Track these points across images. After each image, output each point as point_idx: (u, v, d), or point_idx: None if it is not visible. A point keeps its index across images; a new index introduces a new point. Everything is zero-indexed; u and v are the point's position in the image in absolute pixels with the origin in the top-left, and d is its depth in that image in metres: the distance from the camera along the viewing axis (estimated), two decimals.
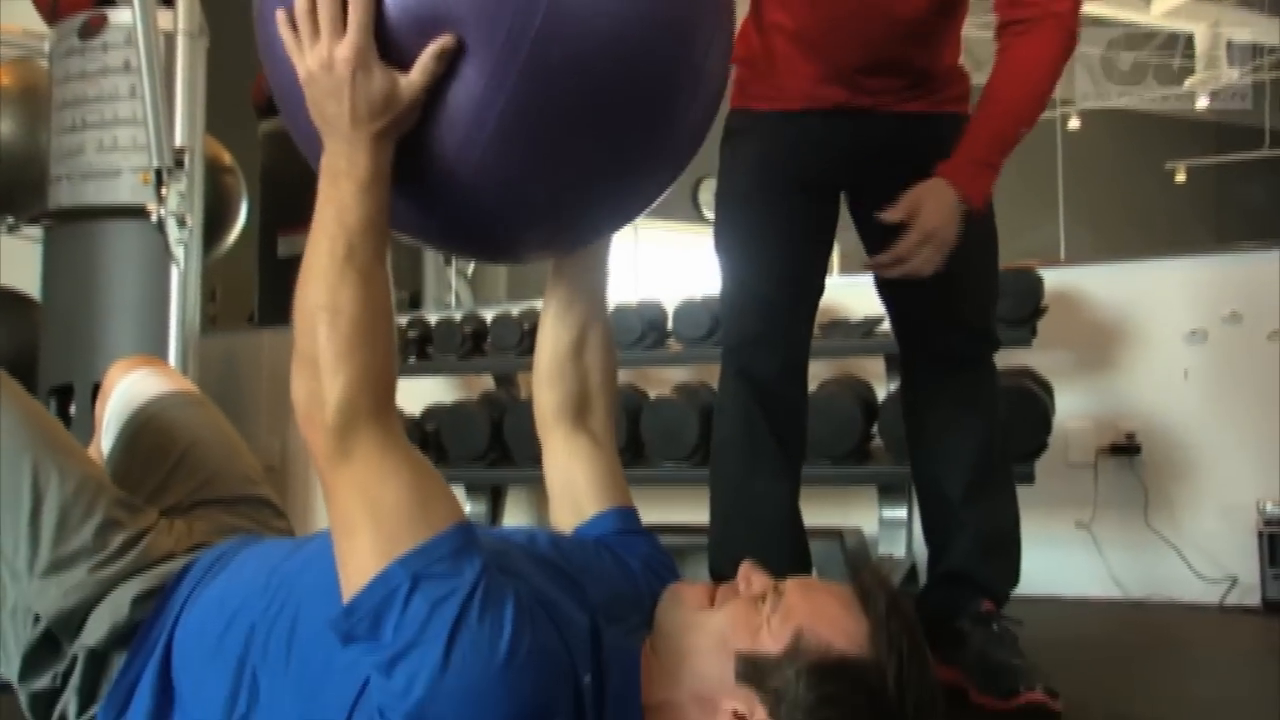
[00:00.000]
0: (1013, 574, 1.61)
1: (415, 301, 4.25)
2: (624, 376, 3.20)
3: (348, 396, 0.89)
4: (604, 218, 1.08)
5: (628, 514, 1.22)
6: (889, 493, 2.72)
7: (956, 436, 1.60)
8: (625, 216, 1.09)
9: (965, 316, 1.59)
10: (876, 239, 1.63)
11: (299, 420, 0.92)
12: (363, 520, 0.88)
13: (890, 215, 1.45)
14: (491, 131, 0.91)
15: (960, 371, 1.62)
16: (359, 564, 0.87)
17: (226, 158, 3.62)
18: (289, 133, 1.04)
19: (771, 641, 0.91)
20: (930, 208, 1.44)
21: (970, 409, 1.61)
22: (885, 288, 1.67)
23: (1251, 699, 1.62)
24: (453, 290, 4.32)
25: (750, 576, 0.99)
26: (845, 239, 1.78)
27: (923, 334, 1.63)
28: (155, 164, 2.60)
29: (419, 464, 0.92)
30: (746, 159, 1.64)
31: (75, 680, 1.09)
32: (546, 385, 1.25)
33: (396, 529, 0.87)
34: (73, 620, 1.09)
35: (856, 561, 1.00)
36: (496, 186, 0.96)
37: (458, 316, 3.43)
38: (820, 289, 1.66)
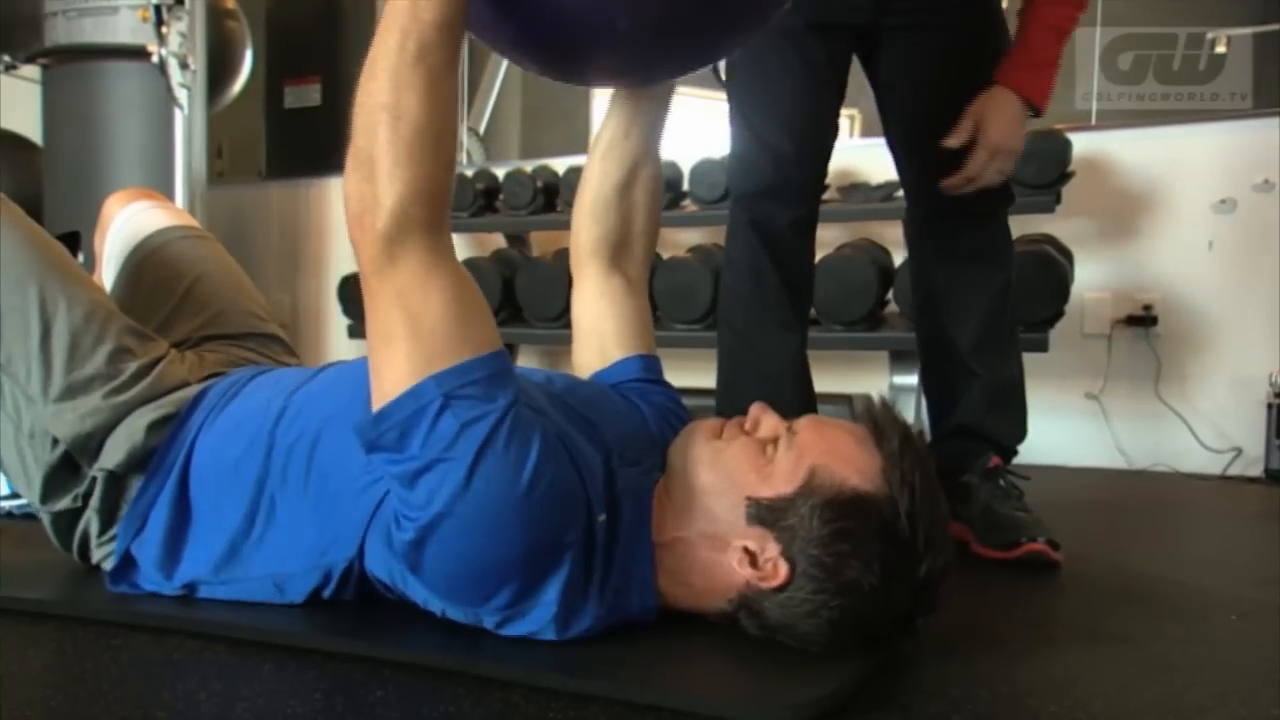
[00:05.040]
0: (1020, 429, 1.60)
1: None
2: None
3: (403, 204, 0.86)
4: (681, 57, 1.04)
5: (651, 362, 1.22)
6: (901, 359, 2.71)
7: (969, 289, 1.57)
8: (701, 59, 1.05)
9: None
10: (892, 93, 1.59)
11: (348, 220, 0.88)
12: (402, 331, 0.86)
13: (954, 140, 1.45)
14: None
15: (974, 225, 1.58)
16: (394, 374, 0.86)
17: (230, 0, 3.48)
18: None
19: (783, 482, 0.92)
20: (994, 121, 1.44)
21: (984, 262, 1.58)
22: (898, 140, 1.62)
23: (1248, 556, 1.65)
24: (464, 148, 4.23)
25: (760, 418, 0.99)
26: (865, 105, 1.72)
27: (936, 188, 1.58)
28: None
29: (466, 283, 0.90)
30: None
31: (95, 501, 1.11)
32: (589, 219, 1.23)
33: (435, 345, 0.86)
34: (90, 444, 1.10)
35: (869, 401, 1.00)
36: (583, 3, 0.92)
37: (470, 173, 3.36)
38: (834, 137, 1.61)
